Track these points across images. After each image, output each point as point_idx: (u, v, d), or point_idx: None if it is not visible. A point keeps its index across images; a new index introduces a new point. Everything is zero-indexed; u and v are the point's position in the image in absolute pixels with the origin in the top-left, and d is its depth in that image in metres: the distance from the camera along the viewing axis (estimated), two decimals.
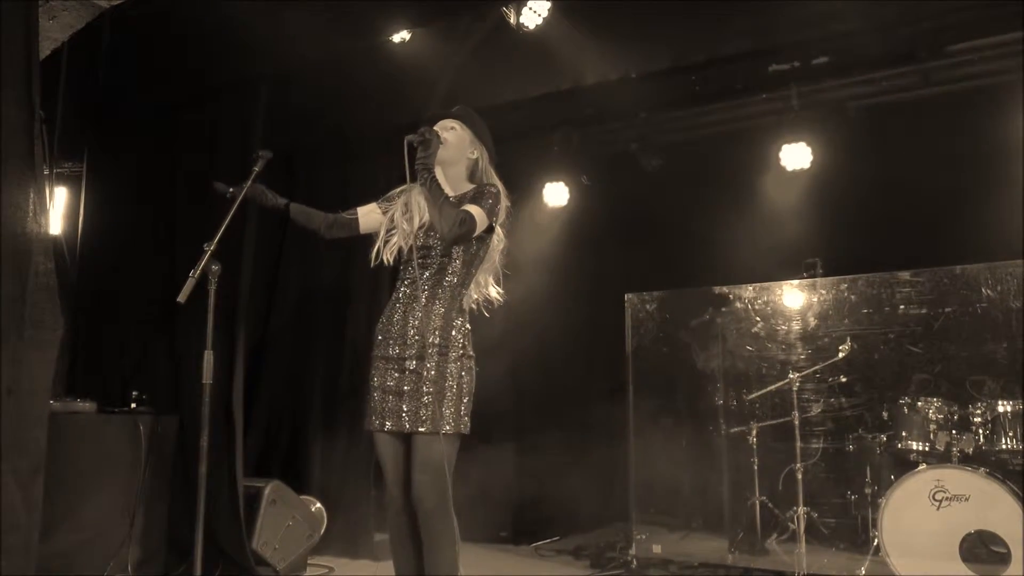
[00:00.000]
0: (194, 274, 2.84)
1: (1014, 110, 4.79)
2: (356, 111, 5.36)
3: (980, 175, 4.93)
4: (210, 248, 2.89)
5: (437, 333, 2.71)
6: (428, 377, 2.67)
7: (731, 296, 5.69)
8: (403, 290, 2.83)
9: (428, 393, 2.66)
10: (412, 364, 2.70)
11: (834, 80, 5.17)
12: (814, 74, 5.12)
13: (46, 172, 3.75)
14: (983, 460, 4.10)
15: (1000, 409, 4.21)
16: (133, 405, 4.16)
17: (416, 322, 2.73)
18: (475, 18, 5.01)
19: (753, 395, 5.01)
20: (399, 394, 2.69)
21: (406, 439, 2.71)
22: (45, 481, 2.99)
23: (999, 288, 4.81)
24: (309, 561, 4.60)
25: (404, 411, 2.67)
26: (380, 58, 4.94)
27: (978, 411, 4.24)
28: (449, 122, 2.93)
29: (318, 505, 4.70)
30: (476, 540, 5.40)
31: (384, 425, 2.71)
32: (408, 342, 2.73)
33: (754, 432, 4.96)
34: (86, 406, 3.91)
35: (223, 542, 4.15)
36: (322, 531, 4.64)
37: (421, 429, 2.64)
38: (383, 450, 2.75)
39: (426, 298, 2.76)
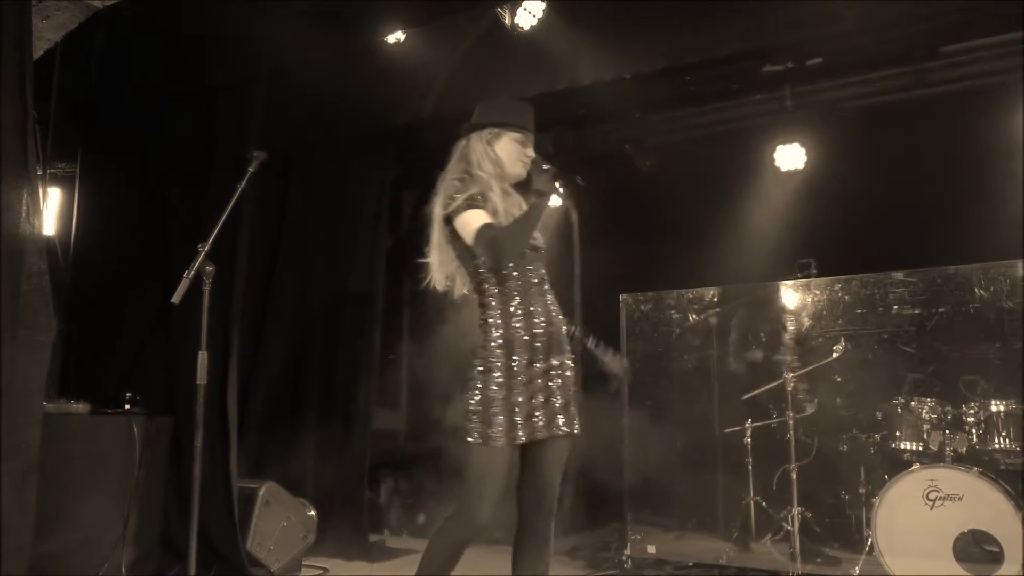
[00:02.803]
0: (188, 275, 2.84)
1: (1008, 111, 4.82)
2: (352, 112, 5.35)
3: (974, 176, 4.95)
4: (205, 249, 2.89)
5: (564, 337, 2.66)
6: (570, 378, 2.63)
7: (725, 296, 5.70)
8: (533, 292, 2.61)
9: (572, 394, 2.62)
10: (557, 368, 2.60)
11: (828, 81, 5.19)
12: (808, 75, 5.14)
13: (39, 173, 3.74)
14: (976, 460, 4.11)
15: (993, 409, 4.22)
16: (127, 406, 4.15)
17: (555, 330, 2.62)
18: (470, 19, 5.01)
19: (748, 395, 5.02)
20: (547, 400, 2.55)
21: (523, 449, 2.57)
22: (39, 483, 2.98)
23: (992, 288, 4.83)
24: (304, 562, 4.59)
25: (561, 415, 2.56)
26: (375, 59, 4.94)
27: (971, 411, 4.25)
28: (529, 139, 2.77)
29: (312, 509, 4.69)
30: None
31: (533, 434, 2.49)
32: (557, 349, 2.61)
33: (749, 432, 4.96)
34: (80, 407, 3.90)
35: (217, 543, 4.15)
36: (316, 532, 4.63)
37: (576, 431, 2.59)
38: (509, 463, 2.50)
39: (551, 301, 2.66)
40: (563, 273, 2.74)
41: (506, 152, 2.68)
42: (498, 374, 2.50)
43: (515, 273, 2.59)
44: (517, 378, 2.51)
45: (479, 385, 2.51)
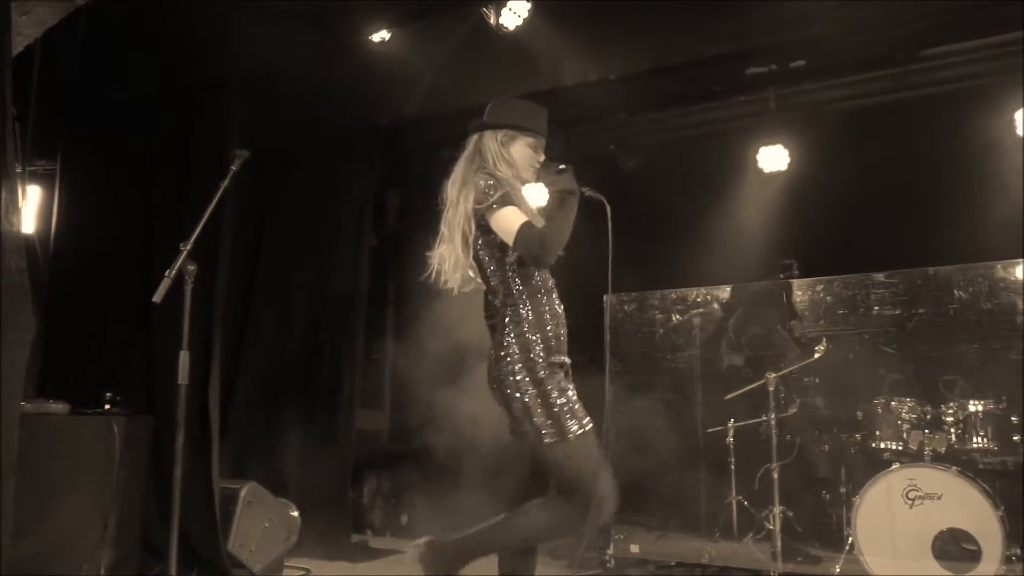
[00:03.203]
0: (170, 274, 2.82)
1: (988, 113, 4.87)
2: (336, 111, 5.34)
3: (954, 177, 5.00)
4: (186, 248, 2.88)
5: None
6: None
7: (709, 297, 5.73)
8: (552, 292, 2.65)
9: None
10: (569, 365, 2.64)
11: (811, 83, 5.23)
12: (791, 77, 5.18)
13: (18, 170, 3.69)
14: (955, 459, 4.16)
15: (971, 409, 4.28)
16: (107, 406, 4.11)
17: (566, 329, 2.66)
18: (455, 18, 5.01)
19: (730, 395, 5.04)
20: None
21: None
22: (18, 484, 2.95)
23: (970, 289, 4.89)
24: (286, 563, 4.57)
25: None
26: (359, 58, 4.92)
27: (950, 411, 4.30)
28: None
29: (295, 509, 4.66)
30: None
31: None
32: (566, 347, 2.65)
33: (731, 432, 4.99)
34: (59, 407, 3.86)
35: (198, 544, 4.12)
36: (298, 533, 4.61)
37: None
38: (594, 443, 2.56)
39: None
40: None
41: (520, 155, 2.68)
42: (542, 371, 2.50)
43: (539, 273, 2.61)
44: (560, 372, 2.54)
45: (532, 385, 2.49)
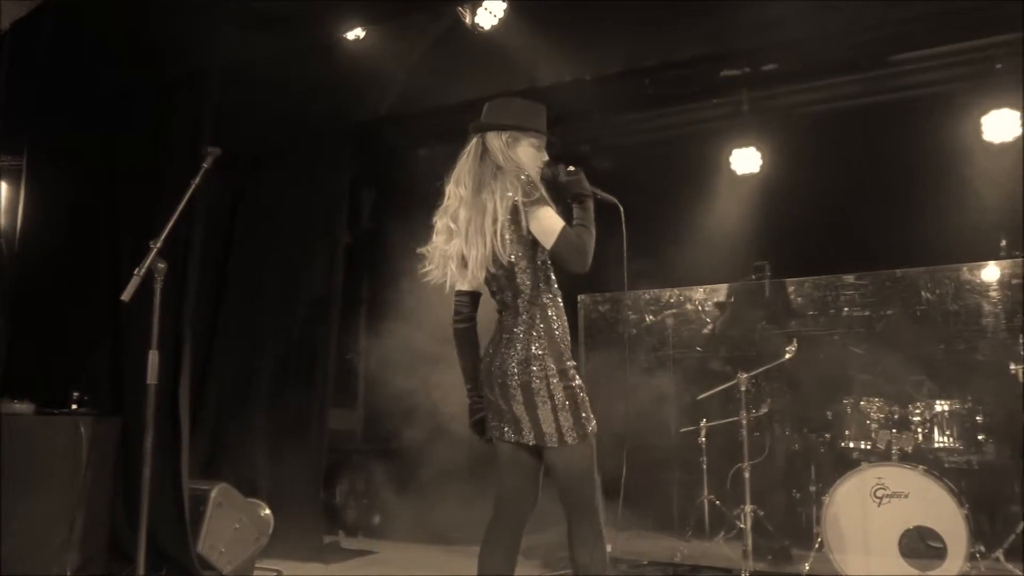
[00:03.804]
0: (139, 272, 2.78)
1: (956, 118, 4.96)
2: (310, 109, 5.29)
3: (922, 181, 5.09)
4: (156, 246, 2.84)
5: None
6: None
7: (681, 297, 5.77)
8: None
9: None
10: None
11: (783, 86, 5.29)
12: (764, 80, 5.23)
13: None
14: (921, 458, 4.23)
15: (938, 408, 4.36)
16: (74, 406, 4.05)
17: None
18: (431, 17, 5.00)
19: (702, 395, 5.08)
20: None
21: None
22: None
23: (937, 291, 4.98)
24: (256, 564, 4.53)
25: None
26: (335, 56, 4.90)
27: (917, 410, 4.38)
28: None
29: (266, 509, 4.63)
30: (427, 541, 5.37)
31: None
32: None
33: (703, 431, 5.02)
34: (24, 407, 3.80)
35: (167, 545, 4.07)
36: (270, 534, 4.57)
37: None
38: None
39: None
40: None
41: (525, 156, 2.61)
42: (572, 371, 2.49)
43: (555, 275, 2.58)
44: (577, 372, 2.52)
45: (563, 389, 2.45)
